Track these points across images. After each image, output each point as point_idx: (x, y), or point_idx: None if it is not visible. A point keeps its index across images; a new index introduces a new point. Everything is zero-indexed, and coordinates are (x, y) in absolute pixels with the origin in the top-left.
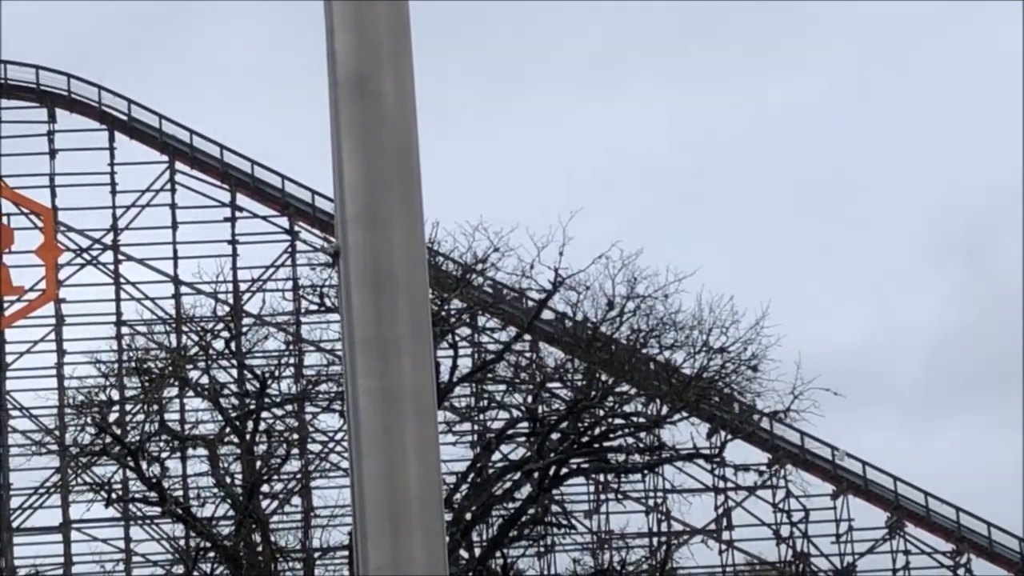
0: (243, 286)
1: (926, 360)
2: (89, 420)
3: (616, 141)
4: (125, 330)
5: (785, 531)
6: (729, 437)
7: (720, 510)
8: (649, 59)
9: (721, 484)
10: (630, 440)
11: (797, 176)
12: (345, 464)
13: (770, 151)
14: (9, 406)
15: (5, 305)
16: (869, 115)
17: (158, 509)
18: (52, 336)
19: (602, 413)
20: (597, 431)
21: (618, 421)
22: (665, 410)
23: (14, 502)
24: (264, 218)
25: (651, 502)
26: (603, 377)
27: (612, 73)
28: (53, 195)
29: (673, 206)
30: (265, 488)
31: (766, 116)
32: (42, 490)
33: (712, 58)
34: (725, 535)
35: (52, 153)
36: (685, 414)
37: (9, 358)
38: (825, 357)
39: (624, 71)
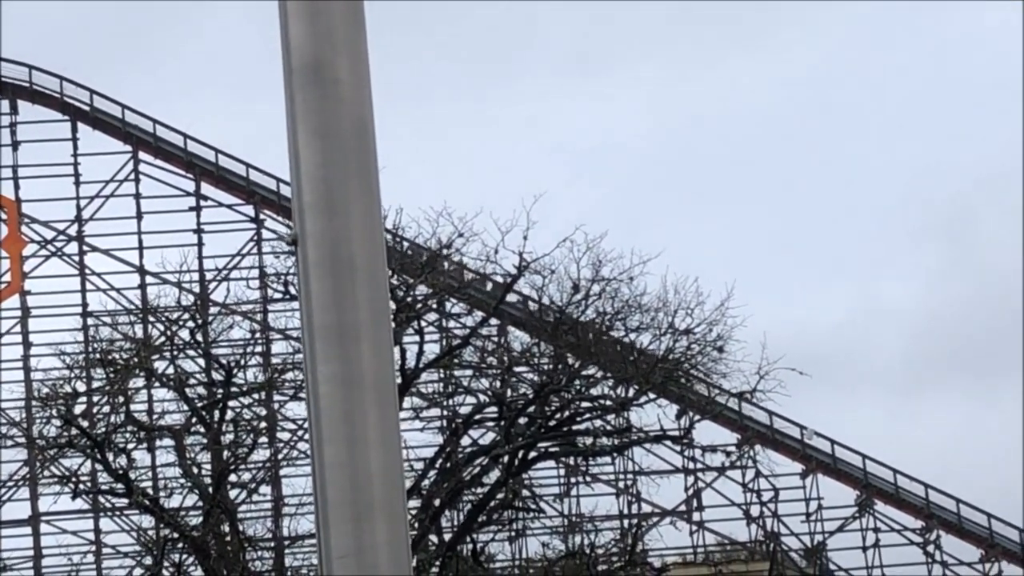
0: (209, 275)
1: (906, 340)
2: (55, 412)
3: (583, 126)
4: (91, 321)
5: (755, 511)
6: (697, 418)
7: (690, 491)
8: (619, 46)
9: (690, 465)
10: (598, 423)
11: (772, 157)
12: None
13: (744, 132)
14: None
15: None
16: (846, 95)
17: (126, 500)
18: (18, 328)
19: (569, 396)
20: (565, 414)
21: (585, 404)
22: (632, 392)
23: None
24: (229, 207)
25: (621, 484)
26: (570, 360)
27: (581, 60)
28: (16, 187)
29: (643, 189)
30: (233, 478)
31: (740, 98)
32: (10, 483)
33: (682, 41)
34: (695, 516)
35: (14, 145)
36: (652, 396)
37: None
38: (804, 337)
39: (594, 59)
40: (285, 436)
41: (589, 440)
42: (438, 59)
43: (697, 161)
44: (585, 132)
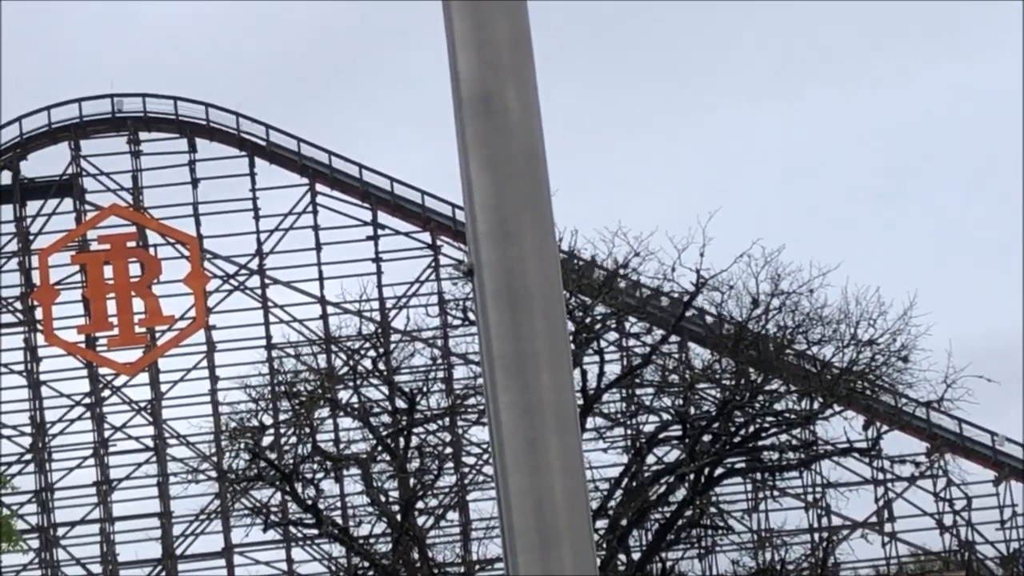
0: (388, 303)
1: None
2: (243, 446)
3: (758, 139)
4: (275, 353)
5: (948, 520)
6: (884, 429)
7: (880, 502)
8: (795, 60)
9: (880, 476)
10: (784, 437)
11: (952, 161)
12: None
13: (920, 138)
14: (167, 434)
15: (158, 335)
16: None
17: (316, 530)
18: (204, 363)
19: (753, 412)
20: (750, 430)
21: (770, 419)
22: (817, 405)
23: (176, 529)
24: (406, 234)
25: (809, 498)
26: (752, 375)
27: (760, 75)
28: (198, 224)
29: (821, 200)
30: (420, 504)
31: (920, 105)
32: (203, 516)
33: (868, 52)
34: (887, 527)
35: (194, 182)
36: (838, 408)
37: (164, 387)
38: (993, 342)
39: (765, 73)
40: (470, 461)
41: (776, 455)
42: (616, 77)
43: (874, 169)
44: (761, 145)
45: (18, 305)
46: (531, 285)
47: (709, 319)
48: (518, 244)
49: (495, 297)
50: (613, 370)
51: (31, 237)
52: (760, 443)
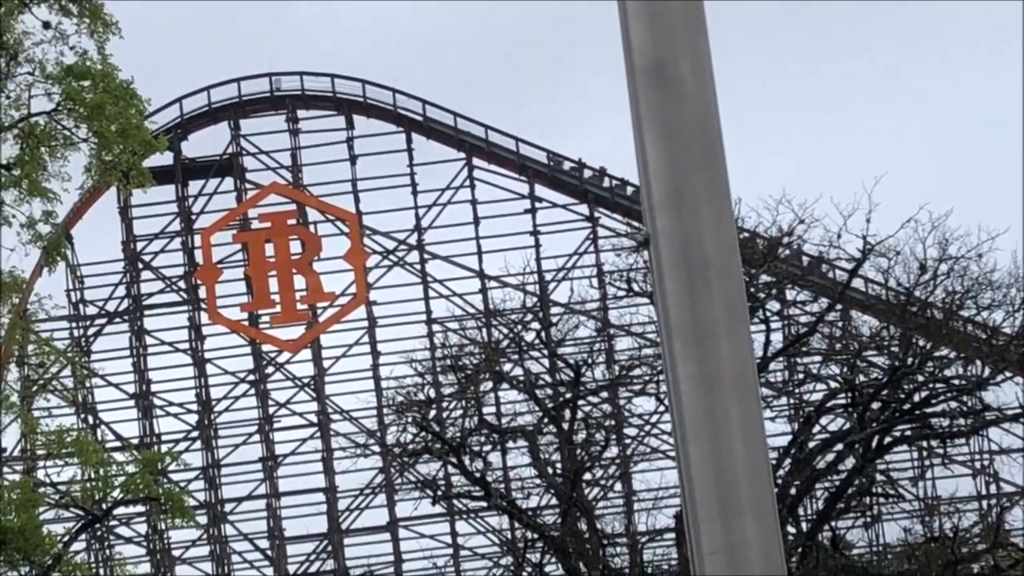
0: (548, 276)
1: None
2: (410, 419)
3: (923, 105)
4: (436, 327)
5: None
6: None
7: None
8: (964, 21)
9: None
10: (953, 404)
11: None
12: (664, 447)
13: None
14: (330, 410)
15: (319, 311)
16: None
17: (483, 503)
18: (366, 339)
19: (922, 379)
20: (918, 397)
21: (939, 386)
22: (987, 372)
23: (341, 504)
24: (564, 207)
25: (978, 465)
26: (920, 342)
27: (917, 37)
28: (356, 200)
29: (988, 164)
30: (587, 476)
31: None
32: (368, 491)
33: None
34: None
35: (352, 159)
36: (1008, 374)
37: (326, 363)
38: None
39: (931, 35)
40: (632, 432)
41: (945, 422)
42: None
43: None
44: (929, 109)
45: (182, 284)
46: (708, 253)
47: (875, 286)
48: (694, 212)
49: (672, 266)
50: (777, 339)
51: (193, 217)
52: (929, 410)
